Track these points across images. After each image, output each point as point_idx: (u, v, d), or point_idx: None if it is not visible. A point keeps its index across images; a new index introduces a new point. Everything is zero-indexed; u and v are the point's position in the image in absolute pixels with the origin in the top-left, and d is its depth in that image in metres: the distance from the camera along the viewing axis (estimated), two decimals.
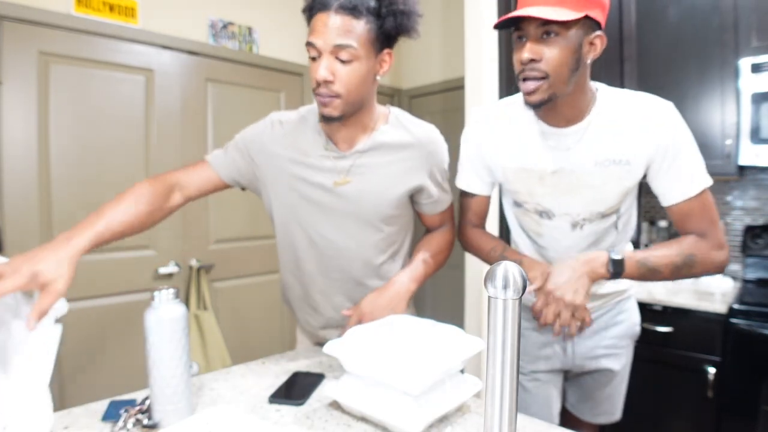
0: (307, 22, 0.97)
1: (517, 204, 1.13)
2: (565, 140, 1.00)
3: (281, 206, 1.12)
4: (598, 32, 0.91)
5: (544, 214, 1.08)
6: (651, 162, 0.97)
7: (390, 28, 0.95)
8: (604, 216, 1.04)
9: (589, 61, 0.93)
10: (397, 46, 1.03)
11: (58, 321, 0.75)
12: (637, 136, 0.96)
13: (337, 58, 0.92)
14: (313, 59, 0.95)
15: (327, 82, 0.93)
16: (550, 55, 0.87)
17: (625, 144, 0.97)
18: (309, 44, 0.94)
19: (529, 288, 0.99)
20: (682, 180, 0.97)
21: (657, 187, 1.01)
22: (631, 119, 0.96)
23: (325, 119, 0.99)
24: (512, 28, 0.93)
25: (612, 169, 0.98)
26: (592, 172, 0.99)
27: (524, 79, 0.92)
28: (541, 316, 0.97)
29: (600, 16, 0.90)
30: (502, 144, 1.07)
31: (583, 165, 0.99)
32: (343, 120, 0.99)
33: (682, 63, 1.87)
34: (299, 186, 1.08)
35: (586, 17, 0.87)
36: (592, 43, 0.91)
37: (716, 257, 0.98)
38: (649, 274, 0.97)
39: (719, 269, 0.99)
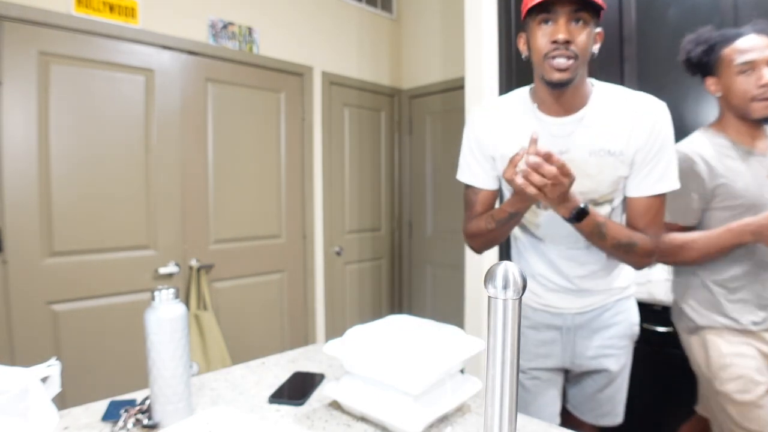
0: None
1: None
2: (563, 129, 1.04)
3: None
4: (600, 29, 1.00)
5: (540, 203, 1.09)
6: (637, 155, 1.01)
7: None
8: (597, 204, 1.07)
9: (595, 52, 1.00)
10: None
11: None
12: (631, 129, 1.00)
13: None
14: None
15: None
16: (580, 38, 0.93)
17: (619, 135, 1.01)
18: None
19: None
20: (654, 177, 1.02)
21: (629, 177, 1.05)
22: (625, 112, 1.01)
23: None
24: (535, 11, 0.95)
25: (607, 159, 1.02)
26: (588, 161, 1.03)
27: (554, 57, 0.94)
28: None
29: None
30: (501, 134, 1.10)
31: (579, 154, 1.03)
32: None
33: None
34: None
35: (598, 13, 0.94)
36: (595, 38, 0.99)
37: (648, 259, 1.05)
38: (596, 237, 1.01)
39: (641, 268, 1.09)
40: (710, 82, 1.29)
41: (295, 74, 2.66)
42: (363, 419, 0.82)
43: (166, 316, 0.76)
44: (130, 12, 2.02)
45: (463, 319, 2.31)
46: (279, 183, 2.61)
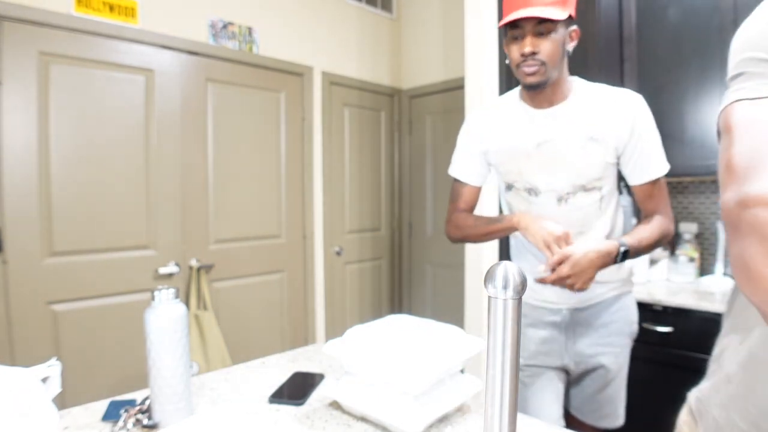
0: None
1: (509, 186, 1.22)
2: (547, 119, 1.14)
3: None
4: (575, 27, 1.10)
5: (532, 191, 1.18)
6: (621, 144, 1.11)
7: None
8: (586, 189, 1.15)
9: (570, 50, 1.11)
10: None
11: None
12: (610, 119, 1.10)
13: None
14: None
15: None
16: (545, 47, 1.05)
17: (599, 124, 1.11)
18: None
19: (544, 268, 1.07)
20: (648, 164, 1.13)
21: (626, 168, 1.15)
22: (605, 104, 1.11)
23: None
24: (508, 27, 1.07)
25: (591, 145, 1.11)
26: (573, 147, 1.11)
27: (524, 67, 1.08)
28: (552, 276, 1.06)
29: (573, 13, 1.07)
30: (495, 128, 1.21)
31: (564, 139, 1.12)
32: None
33: (682, 63, 1.87)
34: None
35: (566, 20, 1.05)
36: (571, 36, 1.10)
37: (671, 231, 1.16)
38: (641, 254, 1.12)
39: (670, 240, 1.19)
40: None
41: (295, 74, 2.66)
42: (363, 419, 0.82)
43: (166, 316, 0.76)
44: (129, 12, 2.02)
45: (463, 319, 2.31)
46: (279, 183, 2.61)
